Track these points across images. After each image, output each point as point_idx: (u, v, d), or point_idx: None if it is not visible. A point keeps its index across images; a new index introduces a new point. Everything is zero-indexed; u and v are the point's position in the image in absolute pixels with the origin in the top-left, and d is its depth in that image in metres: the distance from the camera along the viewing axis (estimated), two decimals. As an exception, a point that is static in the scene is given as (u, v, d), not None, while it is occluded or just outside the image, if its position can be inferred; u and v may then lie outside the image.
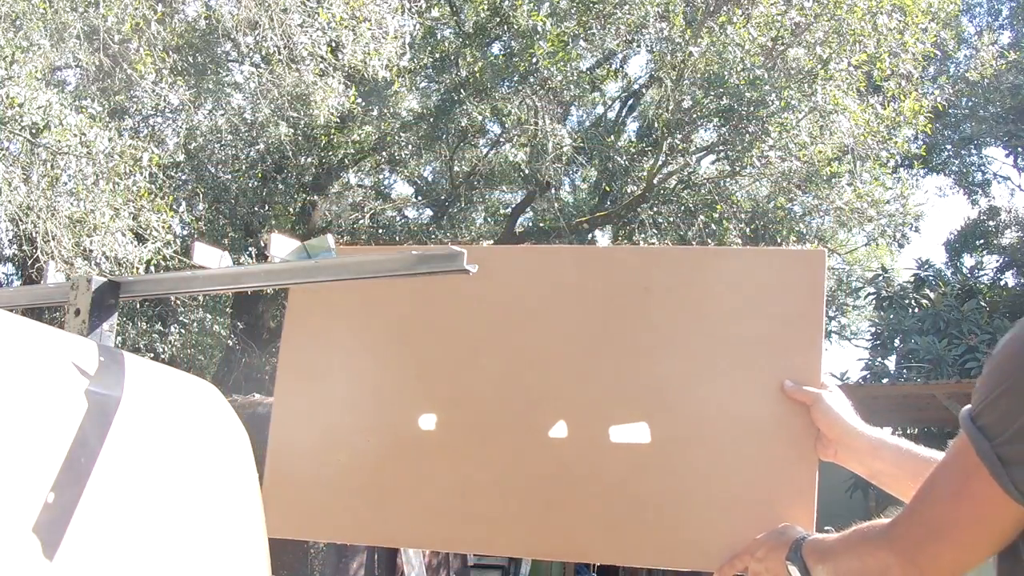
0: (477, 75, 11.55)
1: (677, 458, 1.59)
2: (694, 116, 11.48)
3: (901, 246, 16.20)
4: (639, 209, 11.84)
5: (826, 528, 1.50)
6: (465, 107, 11.27)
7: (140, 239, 7.63)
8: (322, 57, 9.16)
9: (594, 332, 1.66)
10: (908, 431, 14.54)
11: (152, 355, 10.47)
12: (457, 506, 1.67)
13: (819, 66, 10.66)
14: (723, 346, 1.61)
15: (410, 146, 12.69)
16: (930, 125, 12.16)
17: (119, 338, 9.81)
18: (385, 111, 12.41)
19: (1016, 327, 1.12)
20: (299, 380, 1.77)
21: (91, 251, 7.05)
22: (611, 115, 15.66)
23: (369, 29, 8.70)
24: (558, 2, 11.74)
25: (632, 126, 16.43)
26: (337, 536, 1.86)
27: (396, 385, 1.73)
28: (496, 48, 12.69)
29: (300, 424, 1.76)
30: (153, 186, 7.66)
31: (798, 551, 1.41)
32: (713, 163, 13.01)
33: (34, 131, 6.56)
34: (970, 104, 16.40)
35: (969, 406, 1.13)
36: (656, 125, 12.17)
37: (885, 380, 13.79)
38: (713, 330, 1.63)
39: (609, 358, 1.65)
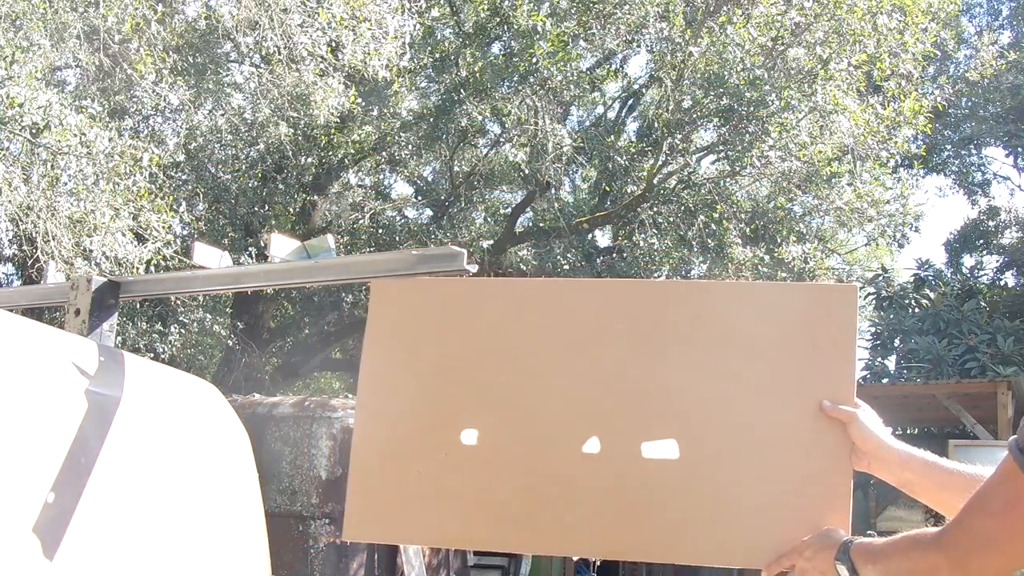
0: (477, 75, 11.55)
1: (729, 468, 1.79)
2: (694, 116, 11.48)
3: (901, 246, 16.21)
4: (639, 209, 11.84)
5: (868, 532, 1.67)
6: (465, 107, 11.26)
7: (140, 239, 7.63)
8: (322, 57, 9.15)
9: (650, 356, 1.85)
10: (908, 431, 14.53)
11: (152, 355, 10.46)
12: (518, 512, 1.85)
13: (819, 66, 10.65)
14: (768, 369, 1.81)
15: (410, 146, 12.69)
16: (930, 125, 12.16)
17: (119, 338, 9.80)
18: (385, 111, 12.40)
19: None
20: (377, 397, 1.96)
21: (91, 251, 7.05)
22: (611, 115, 15.65)
23: (369, 29, 8.70)
24: (558, 2, 11.74)
25: (632, 126, 16.43)
26: (412, 539, 2.08)
27: (466, 404, 1.91)
28: (496, 48, 12.69)
29: (379, 438, 1.94)
30: (153, 186, 7.66)
31: (847, 552, 1.57)
32: (713, 163, 13.02)
33: (34, 131, 6.56)
34: (970, 104, 16.40)
35: (1016, 436, 1.33)
36: (656, 125, 12.17)
37: (885, 380, 13.79)
38: (759, 355, 1.82)
39: (666, 380, 1.84)
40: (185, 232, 10.92)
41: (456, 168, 13.29)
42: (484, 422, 1.88)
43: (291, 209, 13.16)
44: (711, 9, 11.27)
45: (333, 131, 12.05)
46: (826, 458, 1.75)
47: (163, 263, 7.67)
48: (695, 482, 1.79)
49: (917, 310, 14.56)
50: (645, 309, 1.88)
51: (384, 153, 13.14)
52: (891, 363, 14.53)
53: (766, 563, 1.72)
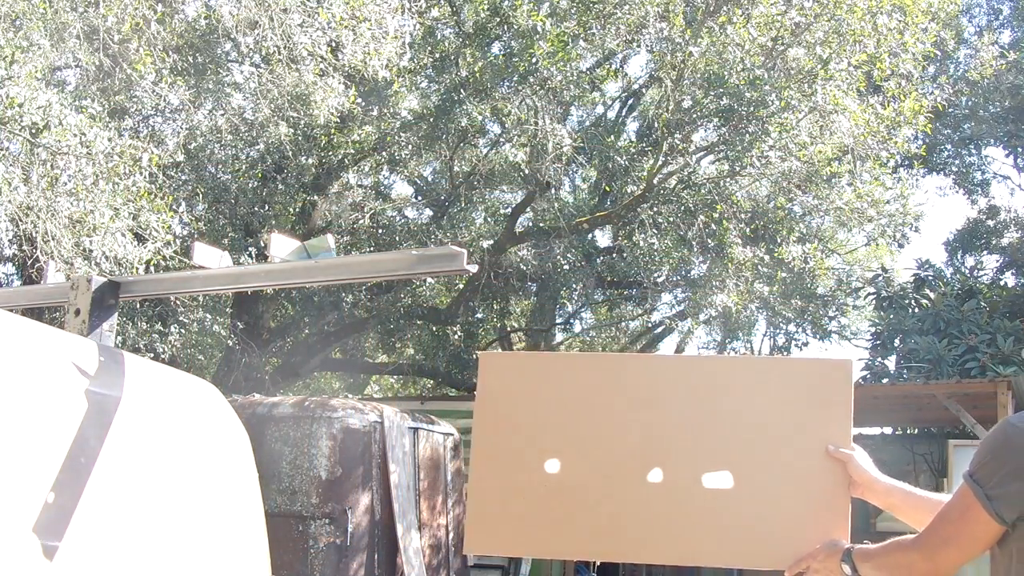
0: (477, 75, 11.54)
1: (760, 495, 2.39)
2: (694, 116, 11.47)
3: (901, 246, 16.20)
4: (639, 209, 11.83)
5: (864, 541, 2.25)
6: (465, 107, 11.25)
7: (140, 239, 7.63)
8: (322, 57, 9.15)
9: (697, 412, 2.46)
10: (908, 431, 14.54)
11: (152, 355, 10.45)
12: (596, 529, 2.44)
13: (819, 66, 10.65)
14: (786, 424, 2.43)
15: (410, 146, 12.67)
16: (930, 125, 12.15)
17: (119, 338, 9.79)
18: (385, 111, 12.39)
19: (1002, 422, 1.98)
20: (488, 445, 2.55)
21: (91, 251, 7.04)
22: (611, 115, 15.65)
23: (369, 29, 8.70)
24: (558, 2, 11.73)
25: (632, 126, 16.43)
26: (516, 552, 2.67)
27: (557, 448, 2.48)
28: (496, 48, 12.68)
29: (489, 475, 2.52)
30: (153, 186, 7.66)
31: (849, 555, 2.18)
32: (713, 163, 13.01)
33: (34, 131, 6.56)
34: (970, 104, 16.38)
35: (968, 468, 1.96)
36: (656, 125, 12.17)
37: (885, 380, 13.77)
38: (779, 413, 2.44)
39: (710, 431, 2.45)
40: (185, 232, 10.91)
41: (456, 168, 13.28)
42: (571, 462, 2.46)
43: (291, 209, 13.15)
44: (711, 9, 11.26)
45: (333, 131, 12.04)
46: (830, 488, 2.36)
47: (163, 263, 7.66)
48: (734, 506, 2.39)
49: (917, 310, 14.55)
50: (693, 379, 2.53)
51: (384, 153, 13.12)
52: (891, 363, 14.51)
53: (788, 565, 2.32)
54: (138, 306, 10.91)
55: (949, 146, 17.44)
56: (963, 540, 1.94)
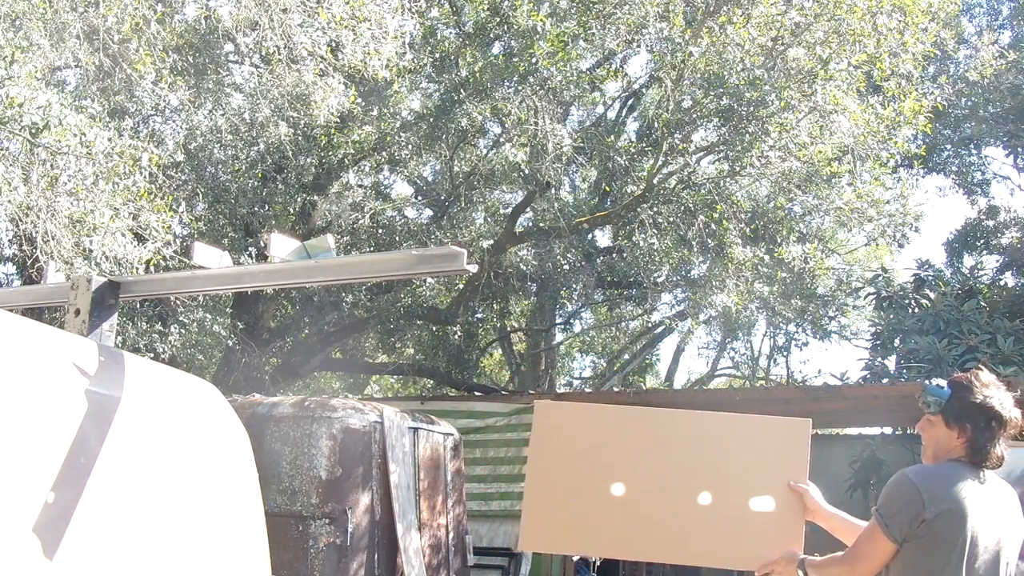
0: (477, 75, 11.54)
1: (738, 515, 3.26)
2: (694, 116, 11.47)
3: (901, 246, 16.19)
4: (639, 209, 11.83)
5: (815, 553, 3.08)
6: (465, 107, 11.25)
7: (140, 239, 7.62)
8: (322, 57, 9.15)
9: (698, 454, 3.34)
10: (908, 431, 14.52)
11: (152, 355, 10.45)
12: (641, 536, 3.31)
13: (819, 66, 10.65)
14: (761, 464, 3.31)
15: (410, 146, 12.67)
16: (930, 125, 12.14)
17: (119, 338, 9.79)
18: (385, 111, 12.39)
19: (899, 473, 2.84)
20: (547, 468, 3.36)
21: (91, 251, 7.04)
22: (611, 115, 15.65)
23: (369, 29, 8.69)
24: (558, 2, 11.73)
25: (632, 126, 16.43)
26: (564, 550, 4.07)
27: (598, 472, 3.32)
28: (496, 48, 12.68)
29: (542, 489, 3.35)
30: (153, 186, 7.65)
31: (802, 564, 3.02)
32: (713, 163, 13.02)
33: (34, 131, 6.56)
34: (970, 104, 16.37)
35: (876, 505, 2.82)
36: (656, 125, 12.17)
37: (885, 380, 13.77)
38: (755, 456, 3.33)
39: (709, 469, 3.32)
40: (185, 232, 10.91)
41: (456, 168, 13.28)
42: (611, 484, 3.29)
43: (291, 209, 13.15)
44: (711, 9, 11.26)
45: (333, 131, 12.04)
46: (790, 512, 3.22)
47: (163, 263, 7.66)
48: (718, 521, 3.25)
49: (917, 310, 14.53)
50: (698, 430, 3.39)
51: (384, 153, 13.12)
52: (891, 363, 14.50)
53: (758, 566, 3.17)
54: (138, 306, 10.91)
55: (949, 146, 17.42)
56: (871, 555, 2.77)
